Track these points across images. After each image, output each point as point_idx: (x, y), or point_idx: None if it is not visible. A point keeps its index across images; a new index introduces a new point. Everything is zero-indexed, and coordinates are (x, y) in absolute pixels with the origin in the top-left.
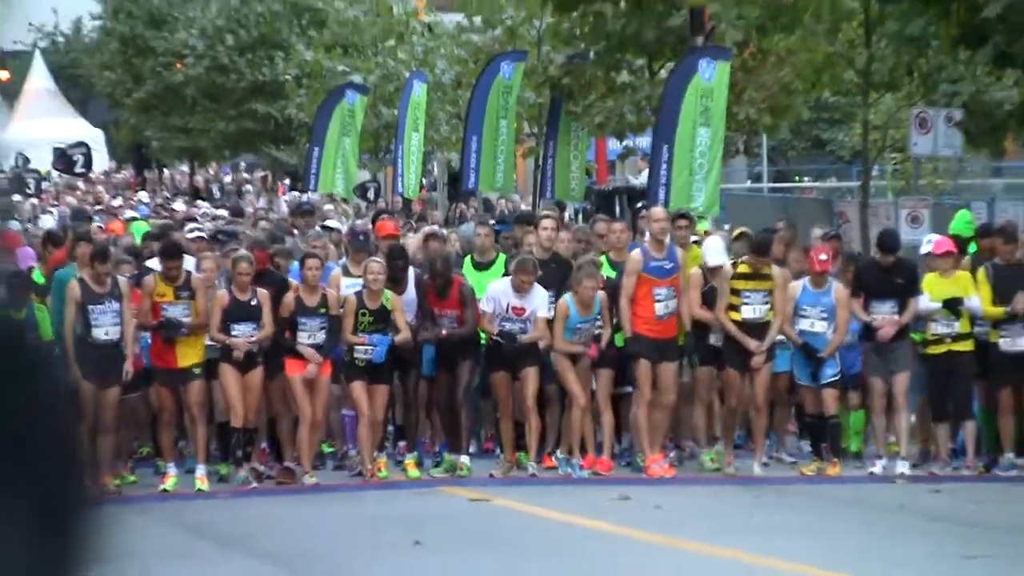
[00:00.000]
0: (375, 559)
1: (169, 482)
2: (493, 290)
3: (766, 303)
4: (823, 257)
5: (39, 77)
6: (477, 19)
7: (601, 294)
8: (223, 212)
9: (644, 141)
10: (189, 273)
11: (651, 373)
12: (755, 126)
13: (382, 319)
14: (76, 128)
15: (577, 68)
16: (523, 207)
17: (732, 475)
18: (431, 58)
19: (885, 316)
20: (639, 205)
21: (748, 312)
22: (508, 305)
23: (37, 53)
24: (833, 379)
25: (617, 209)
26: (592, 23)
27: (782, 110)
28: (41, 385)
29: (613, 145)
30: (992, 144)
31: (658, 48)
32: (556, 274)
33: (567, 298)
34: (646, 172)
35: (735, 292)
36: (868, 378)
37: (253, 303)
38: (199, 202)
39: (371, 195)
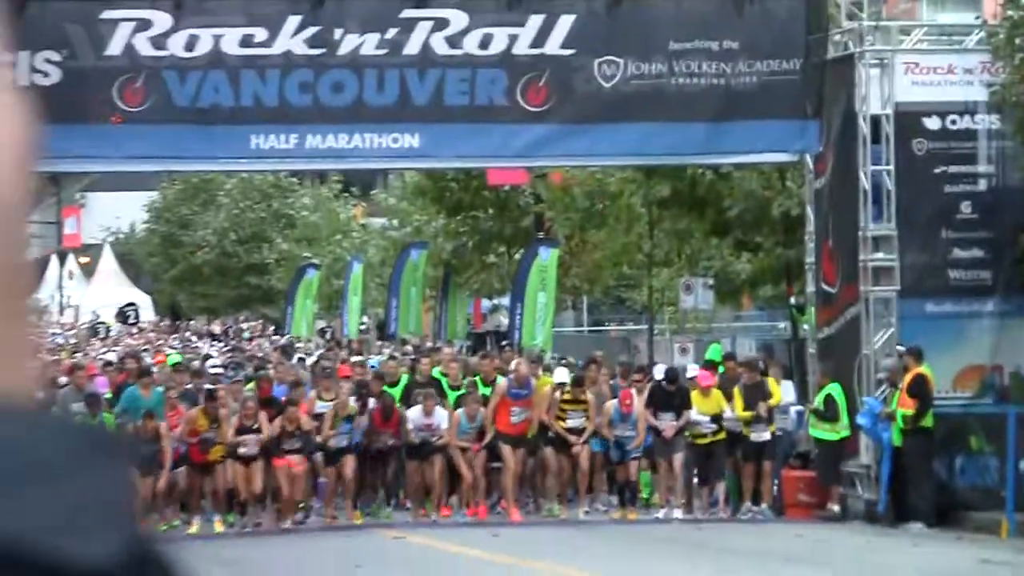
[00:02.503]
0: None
1: (194, 528)
2: (411, 413)
3: (583, 417)
4: (628, 401)
5: (107, 260)
6: (395, 221)
7: (481, 409)
8: (229, 352)
9: (505, 300)
10: (219, 410)
11: (512, 455)
12: (578, 290)
13: (348, 422)
14: (132, 295)
15: (461, 253)
16: (427, 344)
17: (566, 519)
18: (365, 247)
19: (668, 422)
20: (503, 343)
21: (570, 422)
22: (422, 423)
23: (106, 245)
24: (635, 457)
25: (488, 345)
26: (470, 223)
27: (595, 279)
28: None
29: (485, 303)
30: (733, 300)
31: (513, 239)
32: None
33: (460, 412)
34: (506, 320)
35: (562, 410)
36: (656, 458)
37: (255, 426)
38: (214, 343)
39: (327, 336)
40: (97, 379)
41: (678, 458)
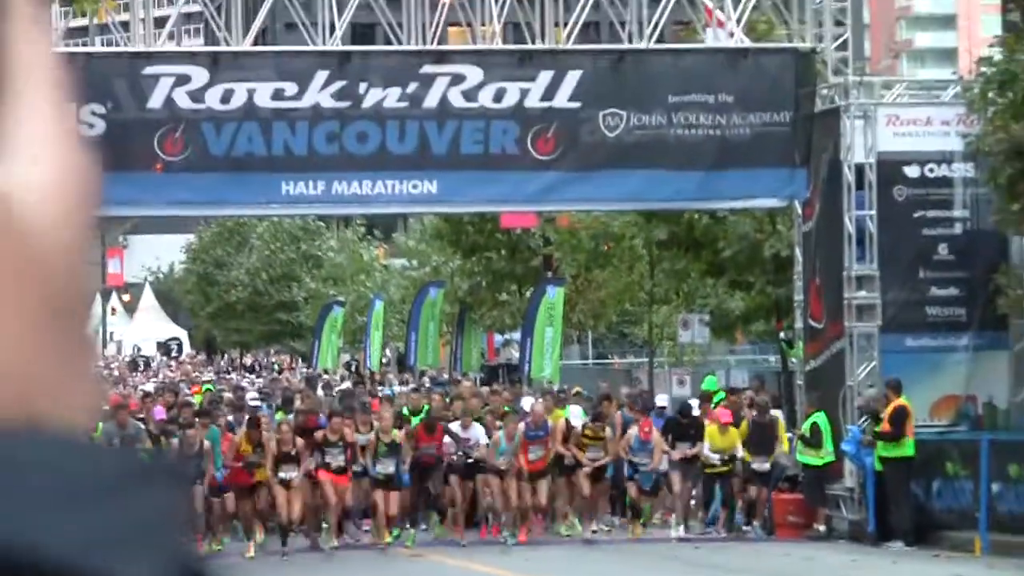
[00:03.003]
0: None
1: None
2: (451, 429)
3: (601, 449)
4: (647, 430)
5: (148, 298)
6: (415, 262)
7: (520, 426)
8: (259, 382)
9: (516, 335)
10: (261, 434)
11: (530, 485)
12: (583, 325)
13: (393, 448)
14: (171, 330)
15: (475, 291)
16: (444, 375)
17: (572, 538)
18: (387, 285)
19: (682, 450)
20: (513, 376)
21: (590, 454)
22: (460, 438)
23: (147, 284)
24: (647, 487)
25: (500, 377)
26: (484, 264)
27: (600, 315)
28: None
29: (498, 337)
30: (728, 335)
31: (524, 278)
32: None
33: (500, 434)
34: (517, 354)
35: (582, 443)
36: (668, 479)
37: (293, 453)
38: (246, 374)
39: (353, 368)
40: (155, 409)
41: (688, 488)
